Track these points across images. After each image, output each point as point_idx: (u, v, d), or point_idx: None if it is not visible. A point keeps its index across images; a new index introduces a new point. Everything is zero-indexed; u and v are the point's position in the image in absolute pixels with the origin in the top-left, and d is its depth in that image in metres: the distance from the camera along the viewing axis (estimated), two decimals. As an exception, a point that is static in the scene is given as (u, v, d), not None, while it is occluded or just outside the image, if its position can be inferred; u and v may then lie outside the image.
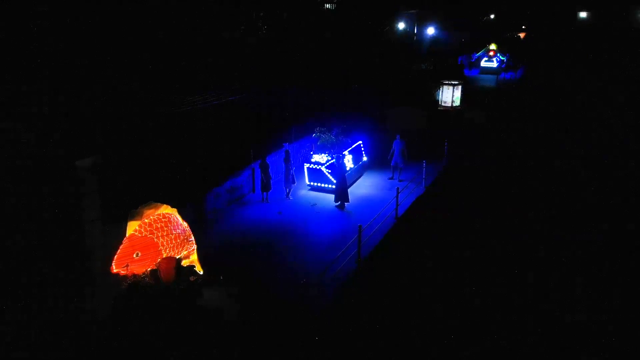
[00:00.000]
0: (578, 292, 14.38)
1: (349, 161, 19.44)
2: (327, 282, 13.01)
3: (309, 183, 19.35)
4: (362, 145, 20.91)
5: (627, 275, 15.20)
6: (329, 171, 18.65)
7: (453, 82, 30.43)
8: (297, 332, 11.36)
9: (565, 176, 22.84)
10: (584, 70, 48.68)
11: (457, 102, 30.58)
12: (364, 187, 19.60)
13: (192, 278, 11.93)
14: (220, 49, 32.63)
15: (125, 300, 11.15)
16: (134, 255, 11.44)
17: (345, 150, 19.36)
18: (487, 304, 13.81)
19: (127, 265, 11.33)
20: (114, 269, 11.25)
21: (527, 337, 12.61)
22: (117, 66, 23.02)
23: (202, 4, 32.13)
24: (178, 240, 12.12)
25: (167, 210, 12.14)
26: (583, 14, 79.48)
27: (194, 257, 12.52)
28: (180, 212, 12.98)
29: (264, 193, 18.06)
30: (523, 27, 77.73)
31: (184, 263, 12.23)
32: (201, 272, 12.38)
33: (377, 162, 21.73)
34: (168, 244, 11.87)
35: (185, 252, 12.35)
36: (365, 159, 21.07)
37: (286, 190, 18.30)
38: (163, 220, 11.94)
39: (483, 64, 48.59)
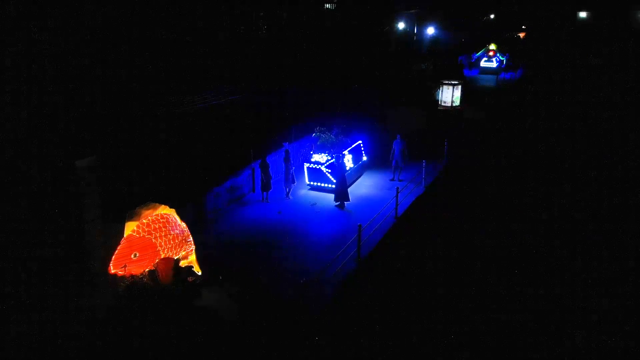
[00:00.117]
0: (578, 292, 14.40)
1: (348, 161, 19.45)
2: (326, 281, 13.02)
3: (308, 183, 19.36)
4: (361, 145, 20.92)
5: (627, 275, 15.22)
6: (329, 171, 18.66)
7: (453, 82, 30.45)
8: (296, 331, 11.36)
9: (565, 176, 22.85)
10: (584, 70, 48.67)
11: (457, 102, 30.60)
12: (363, 187, 19.61)
13: (190, 278, 11.93)
14: (220, 49, 32.63)
15: (123, 300, 11.14)
16: (132, 256, 11.43)
17: (345, 150, 19.38)
18: (487, 304, 13.82)
19: (125, 266, 11.32)
20: (112, 270, 11.24)
21: (527, 337, 12.62)
22: (117, 66, 23.02)
23: (202, 4, 32.13)
24: (176, 241, 12.11)
25: (165, 210, 12.13)
26: (583, 14, 79.48)
27: (192, 257, 12.52)
28: (180, 212, 12.98)
29: (264, 193, 18.07)
30: (523, 27, 77.73)
31: (182, 263, 12.23)
32: (199, 273, 12.37)
33: (377, 162, 21.74)
34: (166, 245, 11.86)
35: (183, 253, 12.35)
36: (365, 158, 21.07)
37: (286, 189, 18.31)
38: (161, 220, 11.93)
39: (483, 64, 48.56)
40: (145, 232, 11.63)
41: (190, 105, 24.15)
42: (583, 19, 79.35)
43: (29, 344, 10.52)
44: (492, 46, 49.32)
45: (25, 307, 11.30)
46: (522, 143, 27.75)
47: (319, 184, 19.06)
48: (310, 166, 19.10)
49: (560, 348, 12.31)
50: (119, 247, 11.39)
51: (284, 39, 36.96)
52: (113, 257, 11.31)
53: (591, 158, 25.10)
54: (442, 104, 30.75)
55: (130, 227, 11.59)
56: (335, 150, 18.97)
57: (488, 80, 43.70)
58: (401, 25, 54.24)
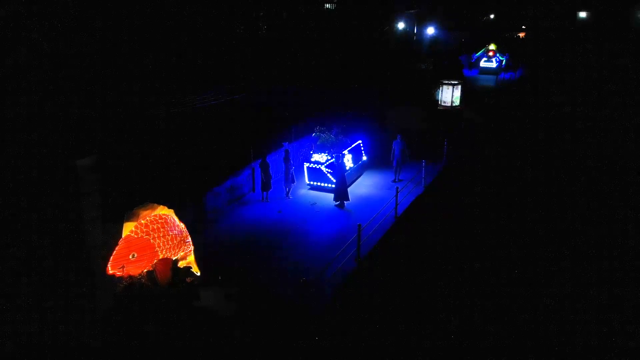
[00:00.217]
0: (578, 291, 14.41)
1: (348, 160, 19.46)
2: (326, 280, 13.03)
3: (308, 182, 19.37)
4: (361, 144, 20.93)
5: (627, 274, 15.23)
6: (329, 170, 18.68)
7: (452, 82, 30.44)
8: (296, 331, 11.37)
9: (564, 176, 22.85)
10: (584, 70, 48.66)
11: (456, 102, 30.59)
12: (363, 187, 19.62)
13: (188, 279, 11.90)
14: (220, 49, 32.65)
15: (121, 301, 11.12)
16: (130, 257, 11.37)
17: (345, 149, 19.39)
18: (487, 303, 13.83)
19: (123, 267, 11.28)
20: (110, 271, 11.20)
21: (527, 337, 12.63)
22: (117, 66, 23.04)
23: (202, 4, 32.15)
24: (175, 242, 12.06)
25: (163, 211, 12.09)
26: (583, 14, 79.45)
27: (191, 258, 12.48)
28: (180, 212, 12.97)
29: (264, 192, 18.08)
30: (523, 27, 77.72)
31: (181, 264, 12.19)
32: (198, 273, 12.35)
33: (377, 162, 21.76)
34: (164, 245, 11.80)
35: (182, 254, 12.31)
36: (364, 158, 21.08)
37: (286, 189, 18.33)
38: (159, 221, 11.88)
39: (482, 64, 48.52)
40: (143, 232, 11.59)
41: (190, 105, 24.18)
42: (583, 19, 79.32)
43: (29, 344, 10.53)
44: (492, 46, 49.29)
45: (25, 307, 11.31)
46: (521, 143, 27.75)
47: (318, 183, 19.08)
48: (310, 166, 19.11)
49: (560, 348, 12.32)
50: (117, 248, 11.36)
51: (284, 39, 36.97)
52: (111, 258, 11.28)
53: (591, 158, 25.10)
54: (442, 104, 30.74)
55: (128, 228, 11.54)
56: (335, 150, 18.99)
57: (488, 81, 43.70)
58: (401, 25, 54.25)
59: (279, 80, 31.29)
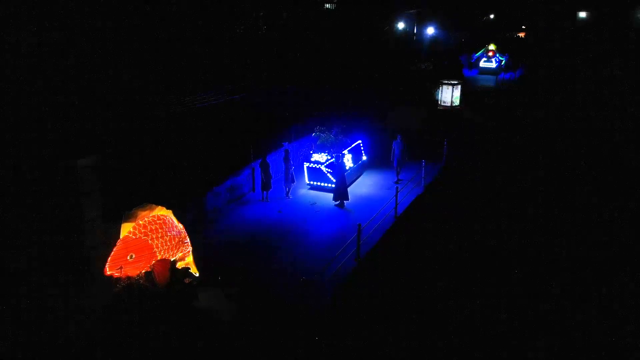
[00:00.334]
0: (578, 291, 14.42)
1: (348, 160, 19.48)
2: (326, 280, 13.05)
3: (308, 182, 19.39)
4: (361, 144, 20.95)
5: (625, 275, 15.25)
6: (329, 170, 18.70)
7: (452, 82, 30.49)
8: (296, 331, 11.39)
9: (564, 176, 22.87)
10: (584, 70, 48.69)
11: (456, 102, 30.64)
12: (363, 186, 19.64)
13: (187, 280, 11.90)
14: (221, 49, 32.67)
15: (119, 302, 11.12)
16: (128, 258, 11.35)
17: (345, 149, 19.41)
18: (487, 303, 13.85)
19: (121, 268, 11.26)
20: (107, 271, 11.19)
21: (527, 337, 12.64)
22: (117, 66, 23.06)
23: (202, 4, 32.17)
24: (173, 242, 12.03)
25: (162, 212, 12.07)
26: (583, 14, 79.44)
27: (190, 259, 12.46)
28: (180, 212, 12.98)
29: (264, 192, 18.11)
30: (523, 27, 77.72)
31: (179, 265, 12.19)
32: (197, 274, 12.34)
33: (377, 162, 21.78)
34: (163, 246, 11.78)
35: (180, 254, 12.28)
36: (364, 158, 21.11)
37: (286, 189, 18.35)
38: (158, 222, 11.85)
39: (482, 64, 48.53)
40: (141, 233, 11.55)
41: (190, 105, 24.20)
42: (583, 19, 79.32)
43: (29, 344, 10.55)
44: (492, 46, 49.30)
45: (26, 307, 11.32)
46: (521, 143, 27.76)
47: (318, 183, 19.10)
48: (310, 165, 19.14)
49: (559, 348, 12.34)
50: (114, 249, 11.34)
51: (284, 39, 36.99)
52: (109, 258, 11.26)
53: (591, 158, 25.12)
54: (442, 103, 30.79)
55: (126, 229, 11.51)
56: (335, 150, 19.01)
57: (487, 81, 43.71)
58: (401, 25, 54.27)
59: (279, 80, 31.30)
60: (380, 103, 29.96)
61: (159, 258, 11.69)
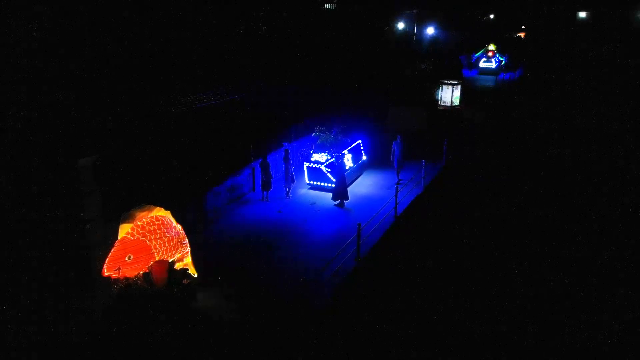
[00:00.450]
0: (578, 291, 14.43)
1: (348, 160, 19.49)
2: (326, 280, 13.06)
3: (308, 182, 19.41)
4: (361, 144, 20.97)
5: (626, 274, 15.26)
6: (329, 170, 18.71)
7: (452, 82, 30.49)
8: (296, 331, 11.40)
9: (564, 176, 22.88)
10: (584, 70, 48.70)
11: (456, 102, 30.64)
12: (363, 186, 19.66)
13: (185, 281, 11.91)
14: (221, 49, 32.67)
15: (117, 303, 11.13)
16: (126, 259, 11.35)
17: (345, 149, 19.42)
18: (487, 303, 13.85)
19: (119, 269, 11.26)
20: (105, 272, 11.20)
21: (526, 337, 12.65)
22: (117, 66, 23.07)
23: (202, 4, 32.17)
24: (171, 243, 12.04)
25: (160, 212, 12.07)
26: (583, 14, 79.44)
27: (188, 259, 12.47)
28: (180, 212, 13.00)
29: (264, 192, 18.12)
30: (523, 27, 77.71)
31: (178, 266, 12.19)
32: (195, 275, 12.34)
33: (377, 161, 21.79)
34: (161, 247, 11.77)
35: (178, 255, 12.29)
36: (364, 158, 21.12)
37: (286, 189, 18.36)
38: (156, 223, 11.85)
39: (482, 64, 48.50)
40: (139, 234, 11.55)
41: (190, 105, 24.22)
42: (583, 19, 79.32)
43: (29, 344, 10.55)
44: (491, 46, 49.28)
45: (25, 307, 11.33)
46: (521, 143, 27.77)
47: (318, 183, 19.11)
48: (310, 165, 19.15)
49: (560, 348, 12.35)
50: (112, 250, 11.34)
51: (284, 39, 36.98)
52: (107, 259, 11.26)
53: (590, 158, 25.12)
54: (442, 103, 30.79)
55: (124, 230, 11.51)
56: (335, 150, 19.02)
57: (487, 81, 43.68)
58: (401, 25, 54.28)
59: (279, 80, 31.31)
60: (380, 103, 29.97)
61: (157, 259, 11.69)
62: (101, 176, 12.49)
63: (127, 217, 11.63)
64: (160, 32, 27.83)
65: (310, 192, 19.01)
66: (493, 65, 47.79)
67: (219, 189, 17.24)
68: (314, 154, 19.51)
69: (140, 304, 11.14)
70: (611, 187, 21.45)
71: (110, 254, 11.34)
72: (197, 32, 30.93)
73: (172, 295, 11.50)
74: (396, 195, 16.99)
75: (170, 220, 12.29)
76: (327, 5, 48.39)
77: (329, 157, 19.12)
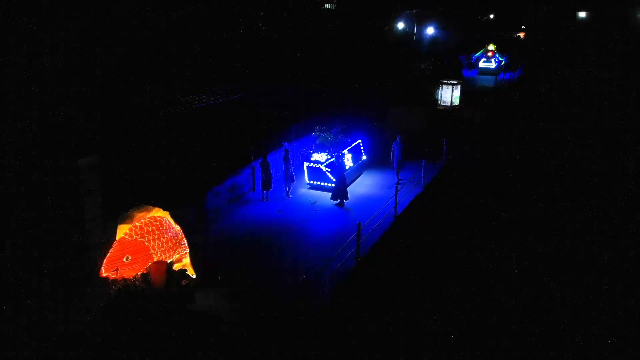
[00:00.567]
0: (577, 291, 14.44)
1: (348, 160, 19.51)
2: (326, 279, 13.06)
3: (308, 182, 19.42)
4: (361, 144, 20.98)
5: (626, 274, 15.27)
6: (329, 170, 18.72)
7: (452, 82, 30.49)
8: (296, 331, 11.40)
9: (563, 176, 22.89)
10: (583, 70, 48.70)
11: (456, 102, 30.64)
12: (363, 186, 19.67)
13: (183, 282, 11.90)
14: (220, 49, 32.66)
15: (115, 304, 11.12)
16: (124, 259, 11.31)
17: (345, 149, 19.43)
18: (487, 303, 13.86)
19: (116, 269, 11.23)
20: (103, 273, 11.17)
21: (526, 338, 12.66)
22: (117, 65, 23.05)
23: (202, 4, 32.17)
24: (170, 244, 12.00)
25: (158, 213, 12.04)
26: (583, 14, 79.46)
27: (186, 260, 12.44)
28: (179, 212, 12.98)
29: (264, 192, 18.13)
30: (523, 27, 77.72)
31: (176, 267, 12.17)
32: (193, 276, 12.32)
33: (377, 161, 21.80)
34: (159, 248, 11.73)
35: (177, 256, 12.25)
36: (364, 157, 21.14)
37: (286, 188, 18.37)
38: (154, 223, 11.82)
39: (482, 64, 48.49)
40: (138, 235, 11.50)
41: (190, 105, 24.20)
42: (583, 19, 79.34)
43: (29, 344, 10.56)
44: (491, 46, 49.27)
45: (26, 307, 11.34)
46: (521, 143, 27.79)
47: (318, 182, 19.12)
48: (310, 165, 19.16)
49: (558, 347, 12.36)
50: (110, 250, 11.31)
51: (284, 39, 36.97)
52: (104, 260, 11.23)
53: (590, 158, 25.13)
54: (442, 103, 30.79)
55: (122, 230, 11.47)
56: (335, 150, 19.04)
57: (487, 81, 43.68)
58: (401, 25, 54.27)
59: (279, 80, 31.30)
60: (380, 103, 29.97)
61: (155, 260, 11.67)
62: (101, 176, 12.49)
63: (125, 218, 11.58)
64: (160, 32, 27.83)
65: (310, 192, 19.02)
66: (493, 65, 47.78)
67: (219, 189, 17.25)
68: (313, 154, 19.52)
69: (138, 304, 11.13)
70: (611, 187, 21.46)
71: (108, 254, 11.30)
72: (197, 32, 30.92)
73: (170, 296, 11.49)
74: (396, 195, 17.00)
75: (168, 221, 12.26)
76: (327, 5, 48.38)
77: (329, 157, 19.13)
